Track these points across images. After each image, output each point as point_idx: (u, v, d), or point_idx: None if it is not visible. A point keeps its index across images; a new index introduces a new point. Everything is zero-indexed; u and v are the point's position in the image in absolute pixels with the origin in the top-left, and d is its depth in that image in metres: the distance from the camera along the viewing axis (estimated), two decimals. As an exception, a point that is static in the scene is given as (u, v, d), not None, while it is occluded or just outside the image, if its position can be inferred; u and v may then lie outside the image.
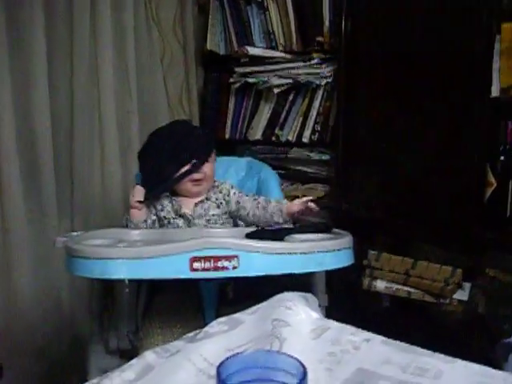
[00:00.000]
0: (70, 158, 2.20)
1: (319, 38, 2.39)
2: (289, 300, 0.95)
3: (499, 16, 1.92)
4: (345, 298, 2.16)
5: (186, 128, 1.71)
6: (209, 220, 1.62)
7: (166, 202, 1.64)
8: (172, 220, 1.61)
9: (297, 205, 1.53)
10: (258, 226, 1.60)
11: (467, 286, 2.12)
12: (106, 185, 2.28)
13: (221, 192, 1.66)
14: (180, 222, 1.61)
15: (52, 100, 2.11)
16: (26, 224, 2.04)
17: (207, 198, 1.64)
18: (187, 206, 1.63)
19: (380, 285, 2.24)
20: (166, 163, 1.58)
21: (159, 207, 1.63)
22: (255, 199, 1.63)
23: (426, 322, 2.14)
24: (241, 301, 1.45)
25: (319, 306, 1.52)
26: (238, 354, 0.66)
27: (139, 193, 1.58)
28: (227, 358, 0.63)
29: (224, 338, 0.88)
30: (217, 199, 1.64)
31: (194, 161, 1.59)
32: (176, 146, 1.58)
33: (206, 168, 1.62)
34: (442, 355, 0.86)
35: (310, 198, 1.55)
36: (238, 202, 1.64)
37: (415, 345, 2.08)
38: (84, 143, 2.23)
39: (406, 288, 2.19)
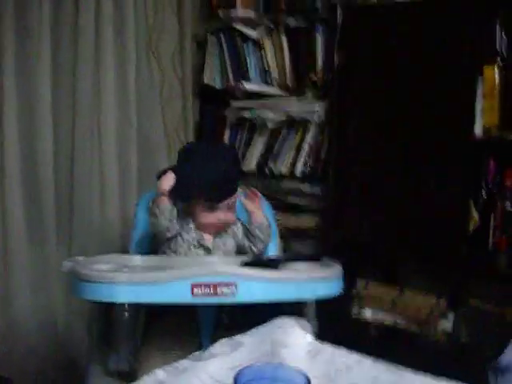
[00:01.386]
0: (70, 185, 2.28)
1: (312, 76, 2.49)
2: (286, 323, 1.03)
3: (481, 58, 2.03)
4: (334, 326, 2.21)
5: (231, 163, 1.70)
6: (225, 252, 1.67)
7: (192, 227, 1.66)
8: (192, 248, 1.63)
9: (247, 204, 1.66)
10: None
11: (451, 315, 2.19)
12: (105, 212, 2.35)
13: (235, 224, 1.71)
14: (200, 251, 1.64)
15: (54, 127, 2.19)
16: (26, 248, 2.10)
17: (225, 231, 1.69)
18: (207, 237, 1.66)
19: (368, 313, 2.31)
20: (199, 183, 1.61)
21: (185, 228, 1.65)
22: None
23: (411, 351, 2.19)
24: (235, 326, 1.54)
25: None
26: (252, 365, 0.74)
27: (169, 181, 1.60)
28: (244, 369, 0.71)
29: (226, 358, 0.96)
30: (232, 232, 1.70)
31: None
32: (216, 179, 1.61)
33: (229, 213, 1.67)
34: (427, 374, 0.94)
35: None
36: (244, 234, 1.70)
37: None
38: (84, 170, 2.30)
39: (392, 317, 2.26)
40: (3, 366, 2.01)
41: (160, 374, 0.92)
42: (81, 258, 1.52)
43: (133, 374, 1.52)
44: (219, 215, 1.64)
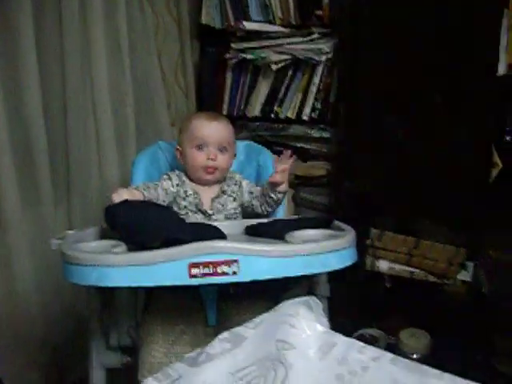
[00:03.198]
0: (64, 142, 2.14)
1: (318, 12, 2.31)
2: (292, 315, 0.92)
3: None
4: (347, 279, 2.14)
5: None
6: (227, 215, 1.58)
7: (189, 191, 1.58)
8: (190, 213, 1.56)
9: (275, 177, 1.51)
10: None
11: (470, 265, 2.10)
12: (103, 169, 2.23)
13: (235, 184, 1.63)
14: (199, 217, 1.56)
15: (43, 82, 2.04)
16: (21, 212, 2.00)
17: (223, 192, 1.61)
18: (205, 200, 1.58)
19: (383, 265, 2.21)
20: None
21: (182, 194, 1.58)
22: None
23: (428, 302, 2.12)
24: (242, 296, 1.44)
25: (323, 298, 1.53)
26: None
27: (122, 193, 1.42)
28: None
29: (227, 359, 0.85)
30: (232, 192, 1.61)
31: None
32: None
33: (222, 158, 1.60)
34: (451, 376, 0.82)
35: (286, 166, 1.50)
36: (250, 193, 1.62)
37: (419, 325, 2.07)
38: (79, 126, 2.16)
39: (408, 268, 2.17)
40: (6, 333, 1.95)
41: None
42: (71, 232, 1.41)
43: (135, 348, 1.46)
44: (209, 153, 1.58)
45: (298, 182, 2.49)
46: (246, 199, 1.63)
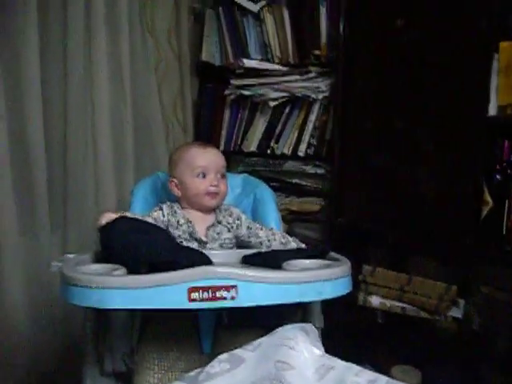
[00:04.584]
0: (63, 170, 2.18)
1: (316, 51, 2.38)
2: (290, 338, 0.94)
3: (497, 34, 1.92)
4: (340, 314, 2.15)
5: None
6: (221, 244, 1.59)
7: (181, 221, 1.59)
8: (185, 242, 1.55)
9: None
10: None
11: (462, 302, 2.11)
12: (100, 199, 2.25)
13: (230, 215, 1.64)
14: (194, 245, 1.56)
15: (45, 109, 2.08)
16: (18, 238, 2.01)
17: (218, 222, 1.62)
18: (200, 229, 1.59)
19: (375, 300, 2.23)
20: None
21: (174, 224, 1.58)
22: (270, 229, 1.62)
23: (420, 338, 2.13)
24: (237, 325, 1.46)
25: (317, 328, 1.54)
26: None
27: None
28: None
29: (226, 379, 0.87)
30: (228, 223, 1.62)
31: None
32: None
33: (222, 183, 1.63)
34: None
35: None
36: (249, 228, 1.62)
37: (411, 362, 2.08)
38: (77, 155, 2.20)
39: (400, 304, 2.19)
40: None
41: (151, 401, 0.82)
42: (70, 256, 1.42)
43: (129, 375, 1.46)
44: (212, 180, 1.60)
45: (291, 218, 2.52)
46: (243, 233, 1.62)
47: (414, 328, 2.17)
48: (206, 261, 1.28)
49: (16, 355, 1.97)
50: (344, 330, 2.18)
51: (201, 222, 1.61)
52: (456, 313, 2.10)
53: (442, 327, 2.12)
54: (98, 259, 1.42)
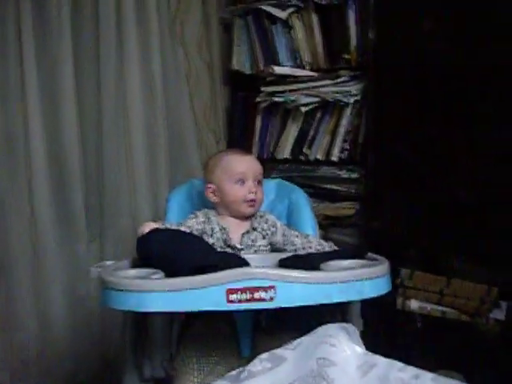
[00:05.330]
0: (99, 181, 2.22)
1: (346, 56, 2.37)
2: (331, 336, 0.93)
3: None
4: (379, 319, 2.12)
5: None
6: (256, 251, 1.58)
7: (216, 228, 1.59)
8: (219, 249, 1.54)
9: None
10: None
11: (504, 304, 2.07)
12: (135, 208, 2.28)
13: (266, 222, 1.62)
14: (228, 251, 1.54)
15: (80, 121, 2.13)
16: (56, 248, 2.05)
17: (253, 229, 1.61)
18: (234, 236, 1.58)
19: (414, 304, 2.20)
20: None
21: (209, 231, 1.58)
22: (305, 237, 1.60)
23: (461, 342, 2.09)
24: (275, 328, 1.45)
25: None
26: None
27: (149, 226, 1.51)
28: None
29: (268, 377, 0.86)
30: (263, 229, 1.61)
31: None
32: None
33: (259, 190, 1.63)
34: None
35: None
36: (284, 235, 1.60)
37: (452, 366, 2.03)
38: (112, 166, 2.24)
39: (440, 307, 2.15)
40: (36, 369, 1.96)
41: (195, 399, 0.82)
42: (109, 263, 1.44)
43: (169, 381, 1.46)
44: (251, 187, 1.60)
45: (326, 223, 2.50)
46: (278, 240, 1.61)
47: (455, 332, 2.12)
48: (244, 263, 1.28)
49: (57, 364, 2.00)
50: (383, 334, 2.15)
51: (236, 229, 1.61)
52: (498, 315, 2.06)
53: (484, 330, 2.07)
54: (136, 265, 1.44)
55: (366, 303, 1.64)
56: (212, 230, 1.59)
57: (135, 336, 1.54)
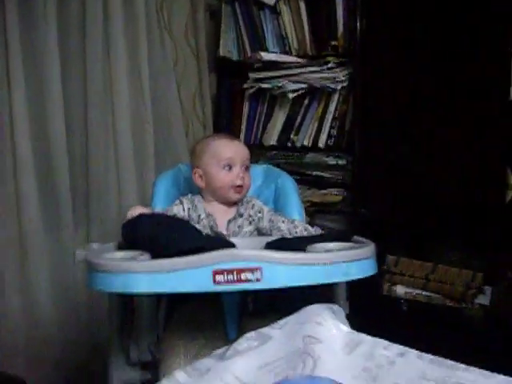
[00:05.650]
0: (85, 169, 2.20)
1: (334, 42, 2.37)
2: (318, 314, 0.93)
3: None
4: (365, 304, 2.13)
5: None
6: (243, 237, 1.57)
7: (202, 215, 1.58)
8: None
9: None
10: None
11: (488, 290, 2.09)
12: (122, 194, 2.27)
13: (252, 208, 1.62)
14: None
15: (66, 109, 2.11)
16: (42, 234, 2.03)
17: (240, 215, 1.60)
18: (220, 222, 1.58)
19: (400, 290, 2.21)
20: None
21: (196, 218, 1.58)
22: (292, 222, 1.59)
23: (446, 326, 2.11)
24: (261, 312, 1.45)
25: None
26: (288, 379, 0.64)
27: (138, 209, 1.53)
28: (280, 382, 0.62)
29: (254, 354, 0.86)
30: (249, 215, 1.60)
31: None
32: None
33: (246, 176, 1.62)
34: (478, 370, 0.83)
35: None
36: (271, 221, 1.59)
37: (437, 351, 2.05)
38: (99, 153, 2.22)
39: (425, 293, 2.17)
40: (22, 355, 1.96)
41: (181, 376, 0.82)
42: (95, 246, 1.44)
43: (155, 364, 1.46)
44: (238, 172, 1.59)
45: (313, 210, 2.51)
46: (264, 226, 1.60)
47: (440, 316, 2.14)
48: (230, 246, 1.28)
49: (45, 348, 2.00)
50: (369, 319, 2.16)
51: (222, 215, 1.60)
52: (483, 300, 2.08)
53: (469, 315, 2.10)
54: (122, 248, 1.44)
55: (352, 288, 1.66)
56: (198, 216, 1.58)
57: (122, 320, 1.54)
